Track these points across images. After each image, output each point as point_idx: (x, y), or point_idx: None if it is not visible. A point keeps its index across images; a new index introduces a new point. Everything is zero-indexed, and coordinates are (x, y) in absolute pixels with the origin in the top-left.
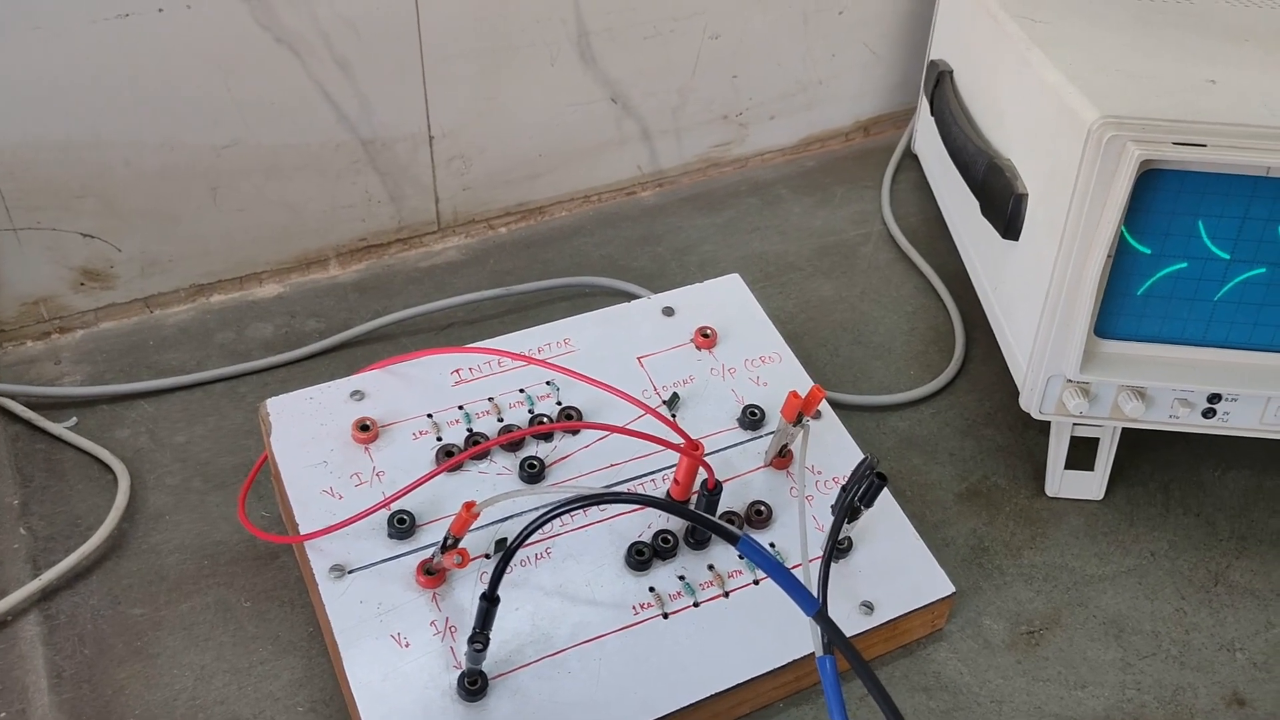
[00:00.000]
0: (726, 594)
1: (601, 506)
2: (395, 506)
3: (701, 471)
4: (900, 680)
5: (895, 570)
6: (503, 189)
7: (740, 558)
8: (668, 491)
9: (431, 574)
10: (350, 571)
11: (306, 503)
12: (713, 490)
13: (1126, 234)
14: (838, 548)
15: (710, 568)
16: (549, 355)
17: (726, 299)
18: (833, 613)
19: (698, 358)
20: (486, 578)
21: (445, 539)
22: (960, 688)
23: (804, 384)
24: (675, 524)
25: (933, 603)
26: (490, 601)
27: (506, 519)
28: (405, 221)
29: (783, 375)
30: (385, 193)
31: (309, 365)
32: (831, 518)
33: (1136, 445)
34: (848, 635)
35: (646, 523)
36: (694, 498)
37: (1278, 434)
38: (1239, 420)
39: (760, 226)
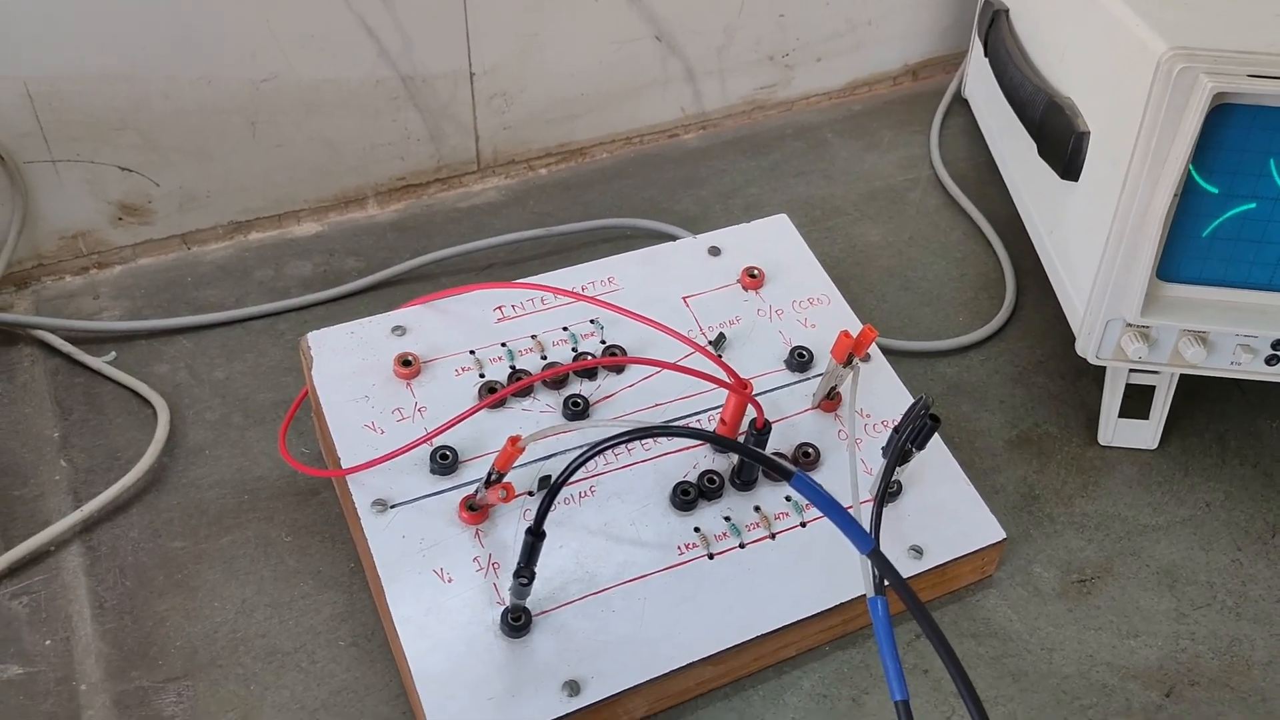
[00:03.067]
0: (773, 535)
1: (646, 445)
2: (437, 442)
3: (750, 411)
4: (949, 626)
5: (945, 515)
6: (543, 129)
7: (787, 499)
8: (714, 431)
9: (474, 510)
10: (392, 506)
11: (348, 437)
12: (761, 429)
13: (1194, 173)
14: (887, 491)
15: (756, 509)
16: (593, 293)
17: (774, 239)
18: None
19: (744, 298)
20: (530, 515)
21: (489, 474)
22: (1010, 634)
23: (854, 326)
24: (721, 464)
25: (983, 548)
26: (536, 536)
27: (549, 456)
28: (445, 161)
29: (832, 317)
30: (425, 131)
31: (348, 304)
32: (881, 461)
33: (1191, 394)
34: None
35: (692, 462)
36: (741, 438)
37: None
38: None
39: (806, 170)
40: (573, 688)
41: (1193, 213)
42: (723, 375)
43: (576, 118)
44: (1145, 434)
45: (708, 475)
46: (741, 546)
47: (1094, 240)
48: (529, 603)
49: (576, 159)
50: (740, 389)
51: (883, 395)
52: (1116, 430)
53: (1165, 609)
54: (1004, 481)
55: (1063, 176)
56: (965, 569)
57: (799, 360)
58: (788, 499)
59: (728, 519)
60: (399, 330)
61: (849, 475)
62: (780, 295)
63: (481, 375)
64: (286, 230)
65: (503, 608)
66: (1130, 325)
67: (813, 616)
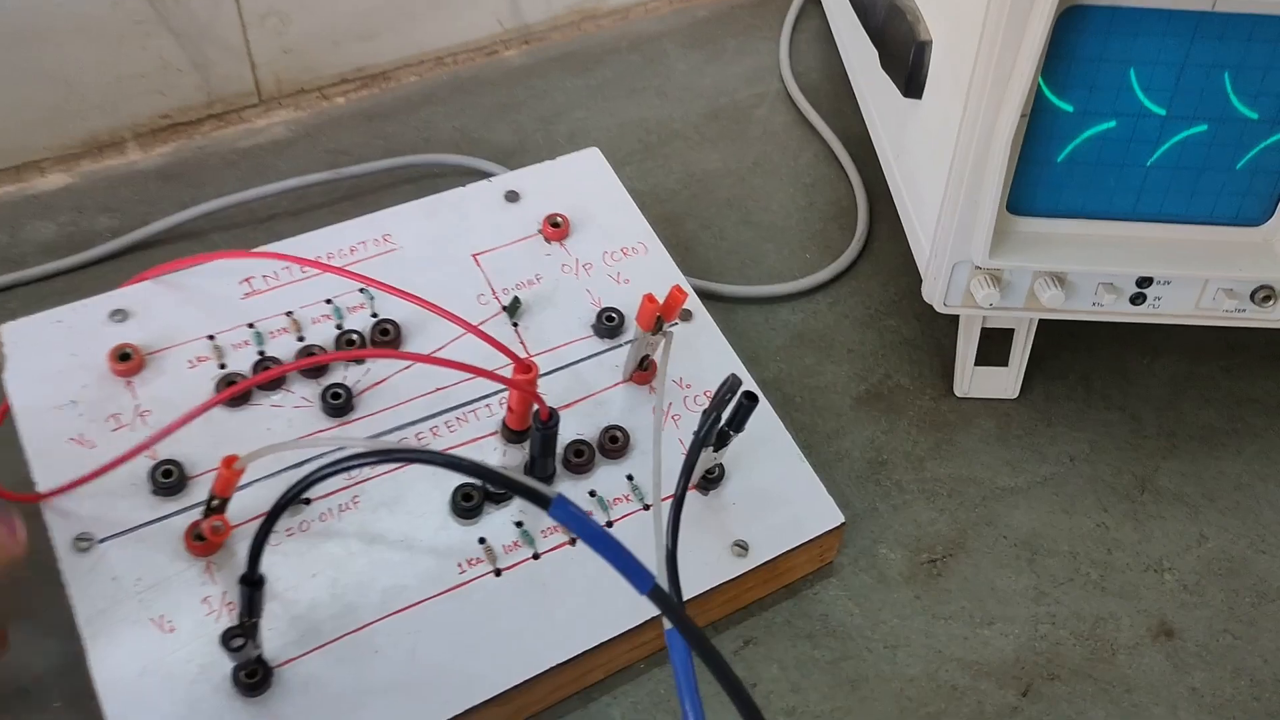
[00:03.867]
0: (573, 541)
1: (421, 437)
2: (160, 454)
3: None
4: (781, 627)
5: (775, 501)
6: (334, 51)
7: (592, 494)
8: (503, 421)
9: (202, 539)
10: (101, 540)
11: (48, 454)
12: (546, 422)
13: (1045, 88)
14: (707, 477)
15: None
16: (365, 255)
17: (583, 179)
18: (701, 555)
19: (546, 252)
20: (289, 534)
21: (210, 500)
22: (850, 632)
23: (671, 280)
24: (515, 457)
25: (819, 536)
26: (249, 584)
27: (302, 464)
28: (217, 94)
29: (648, 270)
30: (186, 59)
31: (97, 272)
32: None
33: (1056, 333)
34: (719, 581)
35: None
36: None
37: (1214, 320)
38: (1171, 306)
39: (640, 88)
40: None
41: (1045, 135)
42: (503, 357)
43: (374, 36)
44: (1005, 382)
45: None
46: (535, 557)
47: (938, 169)
48: (269, 652)
49: (379, 85)
50: (520, 374)
51: (707, 360)
52: (973, 380)
53: (1023, 588)
54: (849, 446)
55: (905, 93)
56: (800, 560)
57: (608, 325)
58: (592, 494)
59: (519, 525)
60: (119, 315)
61: (651, 468)
62: (589, 246)
63: (222, 366)
64: (27, 185)
65: (235, 663)
66: (979, 268)
67: (621, 635)
